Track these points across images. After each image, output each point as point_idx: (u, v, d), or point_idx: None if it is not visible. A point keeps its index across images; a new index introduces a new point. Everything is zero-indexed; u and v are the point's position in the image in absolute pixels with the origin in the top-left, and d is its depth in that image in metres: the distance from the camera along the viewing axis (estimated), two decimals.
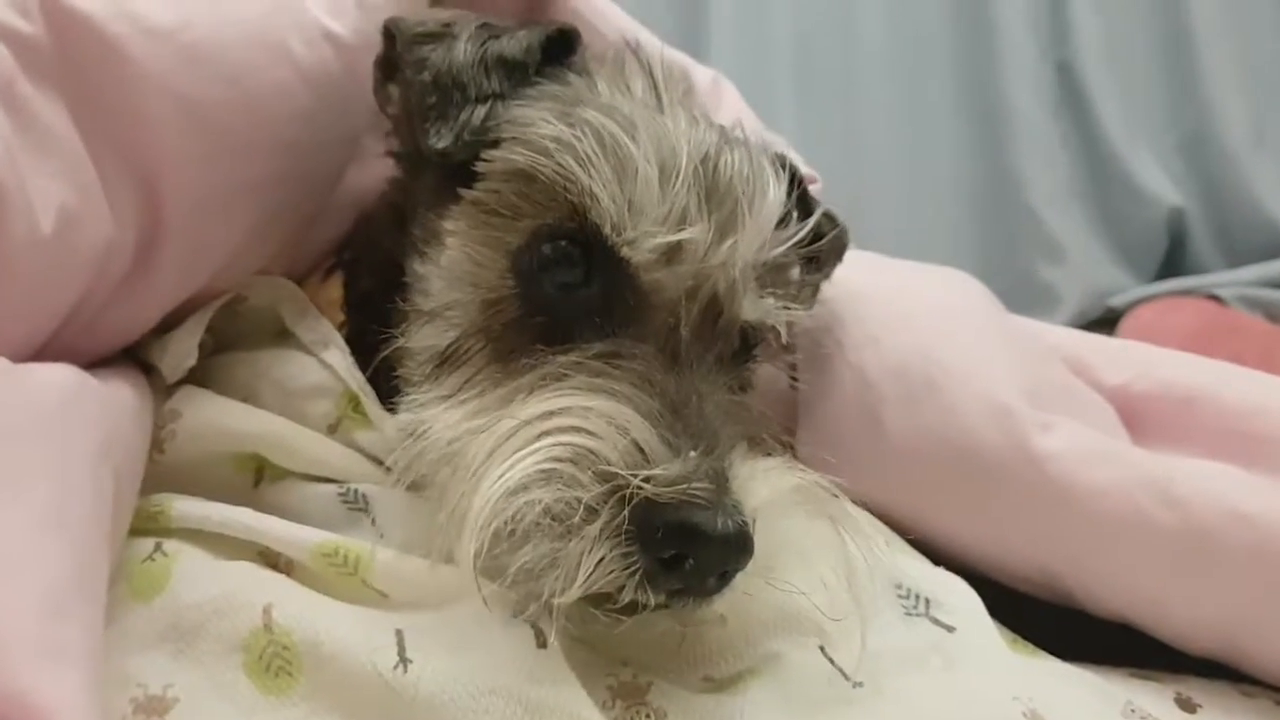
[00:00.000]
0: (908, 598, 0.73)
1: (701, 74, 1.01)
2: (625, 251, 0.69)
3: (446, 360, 0.72)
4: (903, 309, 0.89)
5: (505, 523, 0.59)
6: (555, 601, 0.59)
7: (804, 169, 0.95)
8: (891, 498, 0.83)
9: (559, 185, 0.69)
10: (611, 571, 0.58)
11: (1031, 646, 0.76)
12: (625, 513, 0.58)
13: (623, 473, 0.58)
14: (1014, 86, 2.64)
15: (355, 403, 0.77)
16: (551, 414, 0.62)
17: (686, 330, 0.69)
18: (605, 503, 0.58)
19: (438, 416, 0.69)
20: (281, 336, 0.83)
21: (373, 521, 0.72)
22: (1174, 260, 2.60)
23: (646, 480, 0.58)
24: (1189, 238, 2.58)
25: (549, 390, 0.65)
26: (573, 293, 0.70)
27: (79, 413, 0.62)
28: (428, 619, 0.63)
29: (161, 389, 0.79)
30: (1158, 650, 0.81)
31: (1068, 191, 2.62)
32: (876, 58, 2.69)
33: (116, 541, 0.65)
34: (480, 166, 0.72)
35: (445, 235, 0.74)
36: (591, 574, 0.58)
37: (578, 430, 0.61)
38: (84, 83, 0.69)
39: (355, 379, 0.78)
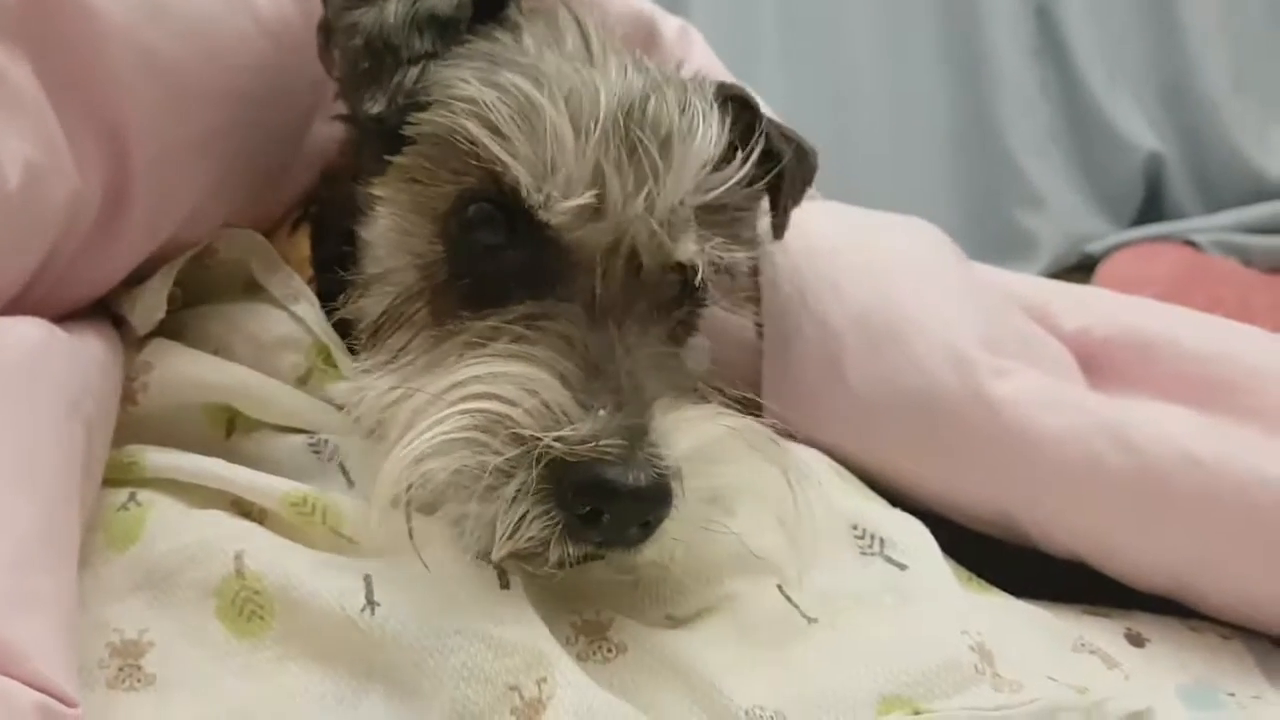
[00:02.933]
0: (863, 538, 0.75)
1: (669, 24, 1.01)
2: (542, 214, 0.69)
3: (382, 327, 0.74)
4: (864, 258, 0.91)
5: (410, 490, 0.62)
6: (488, 558, 0.62)
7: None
8: (854, 443, 0.85)
9: (474, 150, 0.70)
10: (533, 528, 0.61)
11: (985, 584, 0.79)
12: (534, 473, 0.60)
13: (533, 434, 0.61)
14: (995, 32, 2.63)
15: (325, 354, 0.78)
16: (464, 383, 0.64)
17: (608, 286, 0.70)
18: (521, 465, 0.61)
19: (372, 384, 0.71)
20: (251, 289, 0.84)
21: (343, 470, 0.73)
22: (1151, 206, 2.62)
23: (558, 440, 0.60)
24: (1166, 184, 2.59)
25: (469, 356, 0.67)
26: (499, 254, 0.71)
27: (46, 367, 0.63)
28: (393, 564, 0.65)
29: (133, 341, 0.80)
30: (1109, 585, 0.84)
31: (1047, 138, 2.63)
32: (860, 3, 2.68)
33: (90, 492, 0.67)
34: (407, 130, 0.73)
35: (376, 203, 0.75)
36: (514, 531, 0.61)
37: (489, 396, 0.63)
38: (48, 39, 0.69)
39: (325, 331, 0.79)
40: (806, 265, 0.89)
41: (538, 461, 0.60)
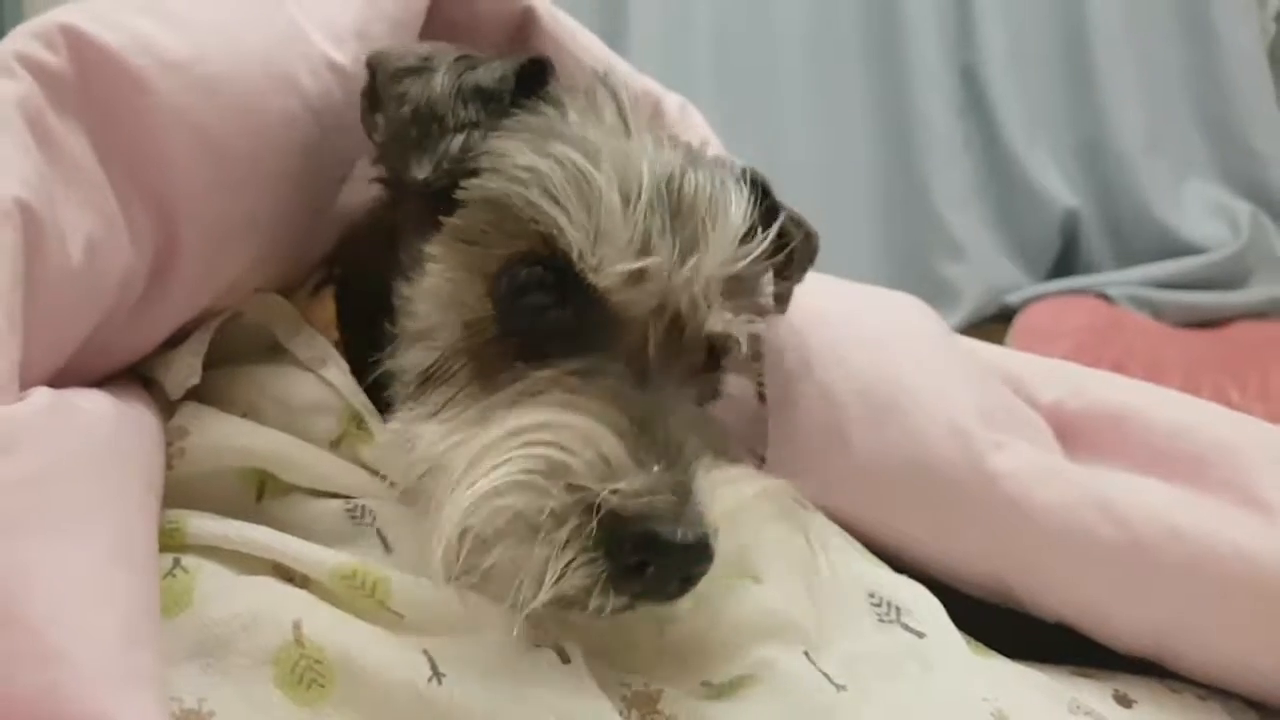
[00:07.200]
0: (880, 605, 0.79)
1: (670, 100, 1.06)
2: (592, 277, 0.73)
3: (429, 379, 0.76)
4: (866, 332, 0.95)
5: (476, 527, 0.64)
6: (529, 604, 0.63)
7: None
8: (856, 509, 0.89)
9: (530, 215, 0.74)
10: (578, 576, 0.63)
11: (984, 648, 0.83)
12: (594, 522, 0.62)
13: (591, 485, 0.63)
14: (921, 89, 2.73)
15: (358, 419, 0.79)
16: (526, 429, 0.67)
17: (654, 347, 0.74)
18: (573, 513, 0.63)
19: (423, 432, 0.73)
20: (274, 352, 0.84)
21: (380, 536, 0.75)
22: (1067, 259, 2.73)
23: (613, 493, 0.63)
24: (1081, 238, 2.70)
25: (525, 405, 0.69)
26: (547, 314, 0.74)
27: (125, 443, 0.65)
28: (450, 641, 0.67)
29: (162, 404, 0.81)
30: (1088, 646, 0.89)
31: (969, 192, 2.72)
32: (793, 58, 2.76)
33: None
34: (459, 194, 0.76)
35: (427, 260, 0.77)
36: (560, 577, 0.63)
37: (550, 444, 0.65)
38: (106, 114, 0.71)
39: (356, 396, 0.80)
40: (811, 336, 0.93)
41: (595, 511, 0.62)
